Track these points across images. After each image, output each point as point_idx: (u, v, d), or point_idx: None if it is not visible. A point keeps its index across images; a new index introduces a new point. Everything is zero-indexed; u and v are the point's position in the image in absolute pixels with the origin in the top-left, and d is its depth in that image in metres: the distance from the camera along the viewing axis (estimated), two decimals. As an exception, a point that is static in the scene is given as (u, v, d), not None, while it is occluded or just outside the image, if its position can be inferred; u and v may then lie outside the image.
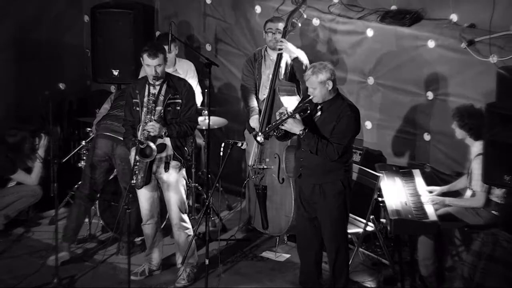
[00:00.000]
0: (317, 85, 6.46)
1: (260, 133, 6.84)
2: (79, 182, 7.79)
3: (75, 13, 9.38)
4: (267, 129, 6.81)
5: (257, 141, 6.89)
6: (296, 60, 7.58)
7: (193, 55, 8.58)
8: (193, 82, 8.07)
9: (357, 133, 6.62)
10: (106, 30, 8.64)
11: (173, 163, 6.97)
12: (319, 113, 6.57)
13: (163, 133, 6.81)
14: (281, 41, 7.59)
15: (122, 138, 7.19)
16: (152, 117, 6.81)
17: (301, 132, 6.47)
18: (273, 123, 6.64)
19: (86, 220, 7.99)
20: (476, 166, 6.75)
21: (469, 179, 7.06)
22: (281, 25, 7.69)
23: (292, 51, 7.57)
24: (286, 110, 6.58)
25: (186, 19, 9.00)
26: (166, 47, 7.85)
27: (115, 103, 7.75)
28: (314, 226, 6.72)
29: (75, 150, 8.48)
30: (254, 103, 7.77)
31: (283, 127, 6.56)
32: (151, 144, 6.79)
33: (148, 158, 6.82)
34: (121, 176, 7.50)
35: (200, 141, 8.50)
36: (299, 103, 6.76)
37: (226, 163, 6.61)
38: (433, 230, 6.75)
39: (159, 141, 6.89)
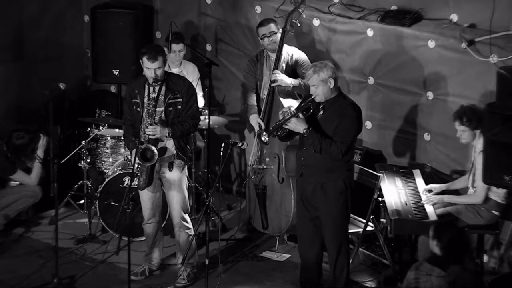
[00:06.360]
0: (319, 84, 6.47)
1: (264, 133, 6.84)
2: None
3: (75, 13, 9.37)
4: (271, 128, 6.81)
5: (262, 141, 6.89)
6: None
7: (197, 55, 8.58)
8: (195, 84, 8.07)
9: (360, 132, 6.63)
10: (106, 30, 8.65)
11: (176, 161, 6.98)
12: (321, 112, 6.58)
13: (166, 134, 6.82)
14: (275, 73, 7.51)
15: None
16: (153, 120, 6.81)
17: (305, 131, 6.47)
18: (277, 123, 6.63)
19: (86, 220, 8.02)
20: (480, 161, 6.73)
21: (471, 179, 7.06)
22: (273, 26, 7.68)
23: (287, 83, 7.53)
24: (289, 110, 6.58)
25: (186, 19, 8.99)
26: (166, 49, 7.88)
27: None
28: (315, 226, 6.72)
29: (75, 150, 8.49)
30: (253, 101, 7.75)
31: (286, 127, 6.56)
32: (153, 148, 6.79)
33: (149, 162, 6.82)
34: None
35: (200, 143, 8.50)
36: (301, 102, 6.77)
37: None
38: (433, 230, 6.75)
39: (161, 144, 6.90)
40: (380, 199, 7.21)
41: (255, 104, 7.74)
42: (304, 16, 7.85)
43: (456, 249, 5.63)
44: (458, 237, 5.68)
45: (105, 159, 8.43)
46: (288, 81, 7.53)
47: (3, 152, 8.02)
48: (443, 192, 7.26)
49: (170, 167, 6.98)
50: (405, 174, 7.45)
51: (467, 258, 5.87)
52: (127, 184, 7.79)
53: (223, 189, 8.55)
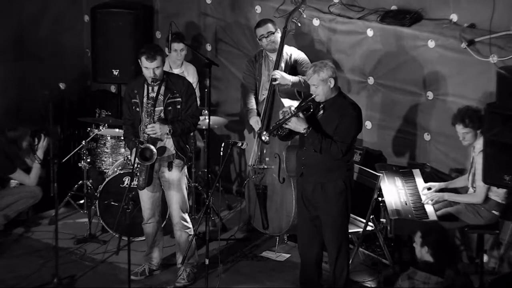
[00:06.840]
0: (319, 83, 6.47)
1: (265, 132, 6.85)
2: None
3: (75, 13, 9.38)
4: (271, 128, 6.82)
5: (262, 140, 6.89)
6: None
7: (197, 55, 8.59)
8: (194, 86, 8.07)
9: (360, 132, 6.63)
10: (106, 30, 8.65)
11: (176, 161, 6.98)
12: (321, 111, 6.58)
13: (167, 131, 6.82)
14: (274, 72, 7.54)
15: None
16: (152, 120, 6.82)
17: (305, 130, 6.48)
18: (277, 122, 6.63)
19: (86, 220, 8.02)
20: (479, 161, 6.73)
21: (470, 179, 7.06)
22: (270, 26, 7.68)
23: (287, 81, 7.55)
24: (290, 109, 6.58)
25: (186, 19, 9.00)
26: (166, 49, 7.89)
27: None
28: (315, 225, 6.71)
29: (75, 150, 8.49)
30: (252, 103, 7.76)
31: (287, 126, 6.56)
32: (152, 147, 6.79)
33: (148, 161, 6.82)
34: None
35: (200, 143, 8.51)
36: (301, 102, 6.77)
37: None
38: (433, 230, 6.74)
39: (160, 143, 6.90)
40: (380, 199, 7.21)
41: (255, 107, 7.74)
42: (304, 16, 7.85)
43: (445, 250, 5.57)
44: (444, 238, 5.60)
45: (105, 159, 8.43)
46: (288, 77, 7.53)
47: (2, 151, 8.02)
48: (442, 191, 7.26)
49: (169, 167, 6.98)
50: (405, 174, 7.45)
51: (458, 257, 5.77)
52: (127, 184, 7.80)
53: (223, 189, 8.55)
